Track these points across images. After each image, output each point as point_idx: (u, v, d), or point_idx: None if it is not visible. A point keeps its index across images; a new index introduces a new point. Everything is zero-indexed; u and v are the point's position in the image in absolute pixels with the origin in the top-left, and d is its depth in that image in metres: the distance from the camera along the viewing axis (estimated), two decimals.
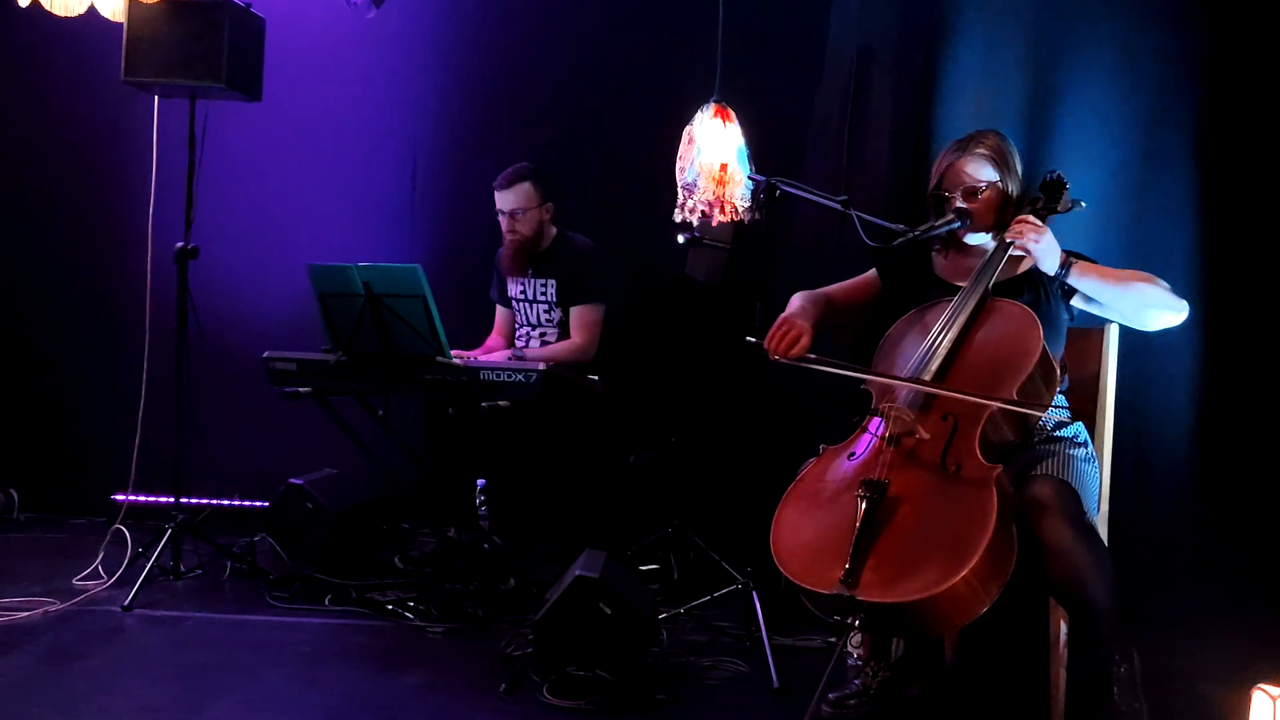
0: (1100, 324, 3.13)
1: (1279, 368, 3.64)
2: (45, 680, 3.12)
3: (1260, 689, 2.60)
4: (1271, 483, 3.63)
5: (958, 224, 3.08)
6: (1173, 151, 3.81)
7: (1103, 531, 2.98)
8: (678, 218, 3.47)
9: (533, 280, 4.44)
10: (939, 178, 3.14)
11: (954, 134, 3.28)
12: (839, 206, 3.43)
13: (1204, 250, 3.73)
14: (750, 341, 3.04)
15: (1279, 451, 3.64)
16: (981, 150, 3.08)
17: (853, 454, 2.84)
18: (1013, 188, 3.10)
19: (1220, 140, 3.74)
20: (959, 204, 3.07)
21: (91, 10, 3.99)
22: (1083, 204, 3.17)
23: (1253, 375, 3.67)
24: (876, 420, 2.83)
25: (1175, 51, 3.82)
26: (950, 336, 2.87)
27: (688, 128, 3.45)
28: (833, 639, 3.60)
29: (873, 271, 3.33)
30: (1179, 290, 2.95)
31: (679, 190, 3.45)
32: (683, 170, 3.46)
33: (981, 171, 3.08)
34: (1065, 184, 3.12)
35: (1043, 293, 3.01)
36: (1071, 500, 2.68)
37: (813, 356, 2.94)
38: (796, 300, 3.20)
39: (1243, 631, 3.35)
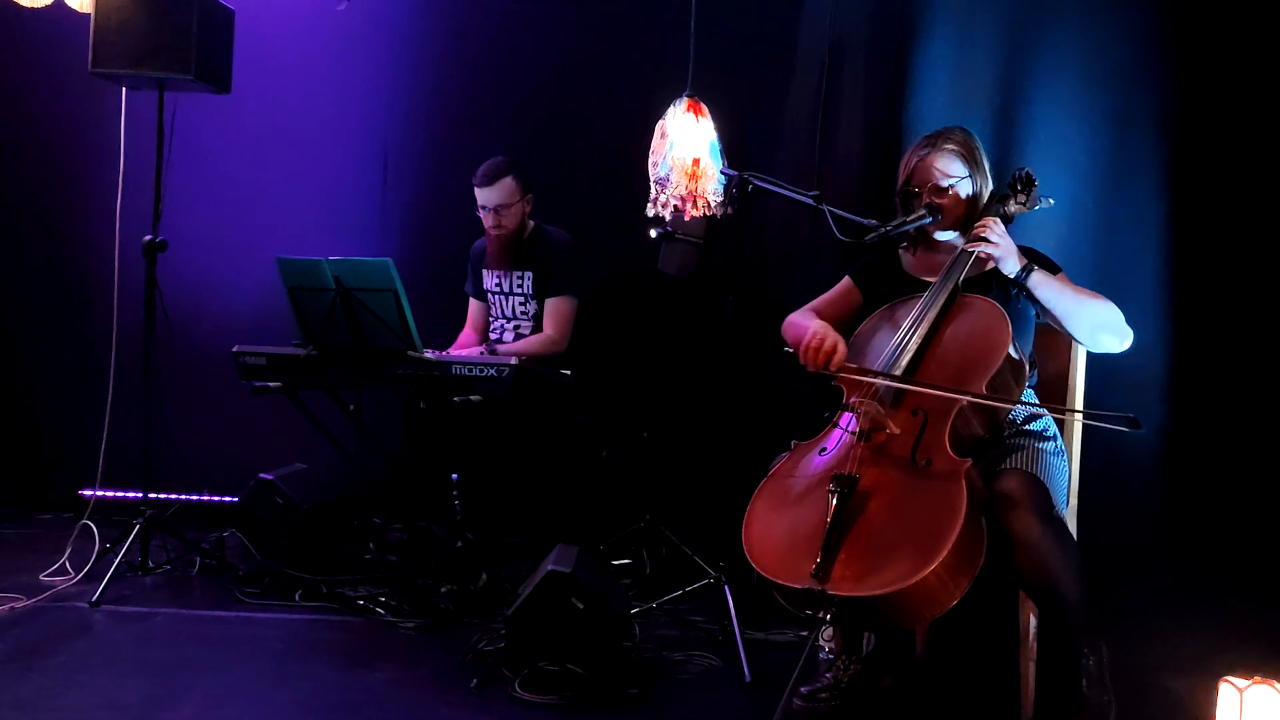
0: None
1: (1246, 365, 3.67)
2: (11, 677, 3.09)
3: (1227, 681, 2.62)
4: (1237, 478, 3.66)
5: (929, 219, 3.09)
6: (1142, 148, 3.83)
7: (1072, 525, 3.00)
8: (650, 212, 3.46)
9: (510, 273, 4.43)
10: (908, 174, 3.15)
11: (926, 129, 3.28)
12: (811, 202, 3.44)
13: (1173, 245, 3.75)
14: (789, 351, 3.07)
15: (1244, 448, 3.67)
16: (950, 146, 3.10)
17: (824, 449, 2.85)
18: (980, 184, 3.11)
19: (1190, 136, 3.76)
20: (928, 200, 3.09)
21: (59, 1, 3.95)
22: (1051, 201, 3.19)
23: (1220, 372, 3.69)
24: (847, 415, 2.85)
25: (1145, 48, 3.84)
26: (920, 332, 2.88)
27: (660, 122, 3.44)
28: (805, 633, 3.61)
29: (848, 280, 3.32)
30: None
31: (651, 185, 3.44)
32: (655, 165, 3.45)
33: (951, 167, 3.09)
34: (1034, 181, 3.14)
35: (1010, 289, 3.03)
36: (1040, 494, 2.70)
37: (853, 366, 2.94)
38: (807, 321, 3.14)
39: (1210, 625, 3.37)
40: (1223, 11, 3.73)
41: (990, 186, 3.14)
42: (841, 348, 2.94)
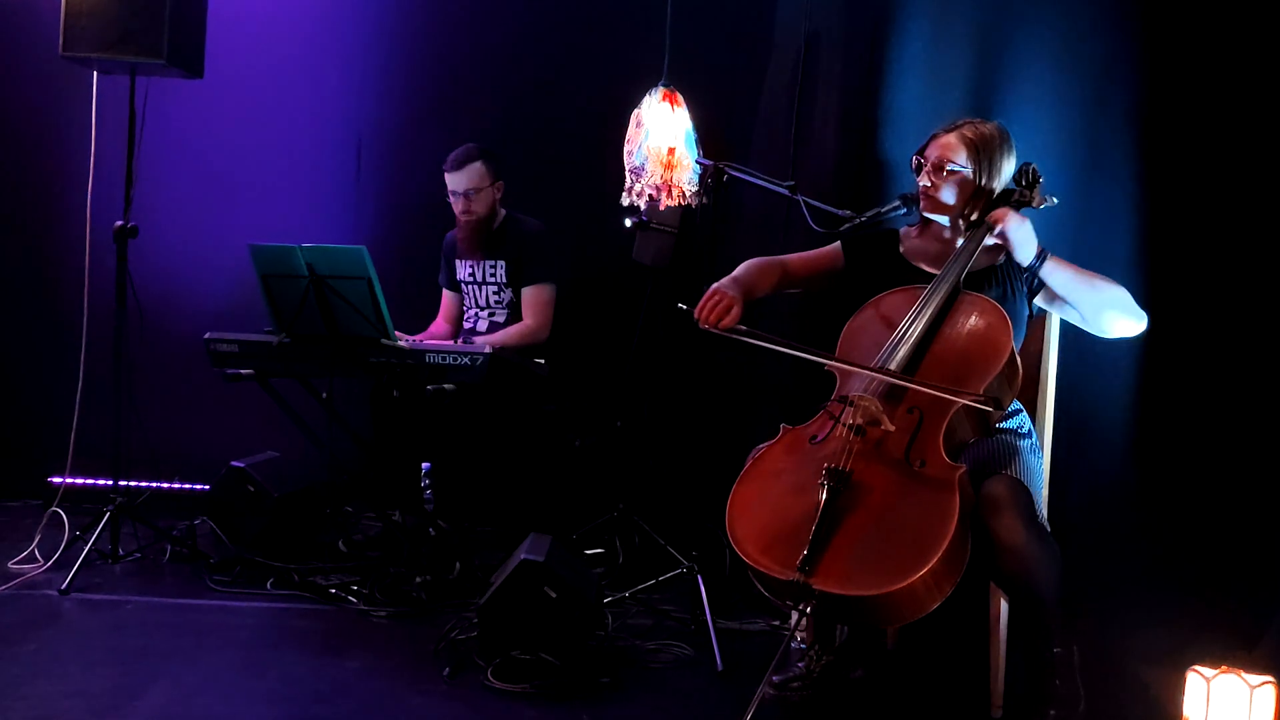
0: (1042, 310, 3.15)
1: (1215, 358, 3.69)
2: None
3: (1194, 670, 2.64)
4: (1205, 469, 3.68)
5: (903, 210, 3.09)
6: (1115, 138, 3.84)
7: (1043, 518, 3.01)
8: (625, 201, 3.47)
9: (482, 262, 4.42)
10: (924, 143, 3.16)
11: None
12: (786, 192, 3.44)
13: (1145, 235, 3.77)
14: (681, 309, 3.02)
15: (1212, 439, 3.69)
16: (967, 133, 3.08)
17: (815, 438, 2.82)
18: (984, 180, 3.06)
19: (1162, 127, 3.78)
20: (928, 174, 3.08)
21: None
22: (1055, 199, 3.17)
23: (1189, 365, 3.71)
24: (841, 407, 2.82)
25: (1119, 37, 3.85)
26: (920, 327, 2.86)
27: (636, 111, 3.44)
28: (777, 623, 3.63)
29: (837, 245, 3.30)
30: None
31: (627, 174, 3.45)
32: (630, 154, 3.46)
33: (955, 154, 3.06)
34: (1039, 178, 3.12)
35: (1009, 287, 3.02)
36: (1025, 499, 2.69)
37: (743, 328, 2.92)
38: (741, 267, 3.17)
39: (1177, 615, 3.39)
40: (1194, 3, 3.74)
41: (999, 186, 3.10)
42: (736, 310, 2.93)
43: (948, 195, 3.07)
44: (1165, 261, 3.74)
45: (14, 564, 3.95)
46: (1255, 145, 3.63)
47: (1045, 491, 3.06)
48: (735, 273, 3.15)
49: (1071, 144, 3.88)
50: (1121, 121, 3.84)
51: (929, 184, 3.09)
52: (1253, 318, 3.63)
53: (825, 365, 2.94)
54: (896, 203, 3.10)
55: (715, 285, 3.02)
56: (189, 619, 3.57)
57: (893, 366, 2.80)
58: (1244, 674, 2.59)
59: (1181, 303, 3.70)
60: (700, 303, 2.97)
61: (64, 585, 3.71)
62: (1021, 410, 3.02)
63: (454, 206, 4.35)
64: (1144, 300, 3.01)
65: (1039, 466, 2.96)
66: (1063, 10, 3.94)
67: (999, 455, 2.85)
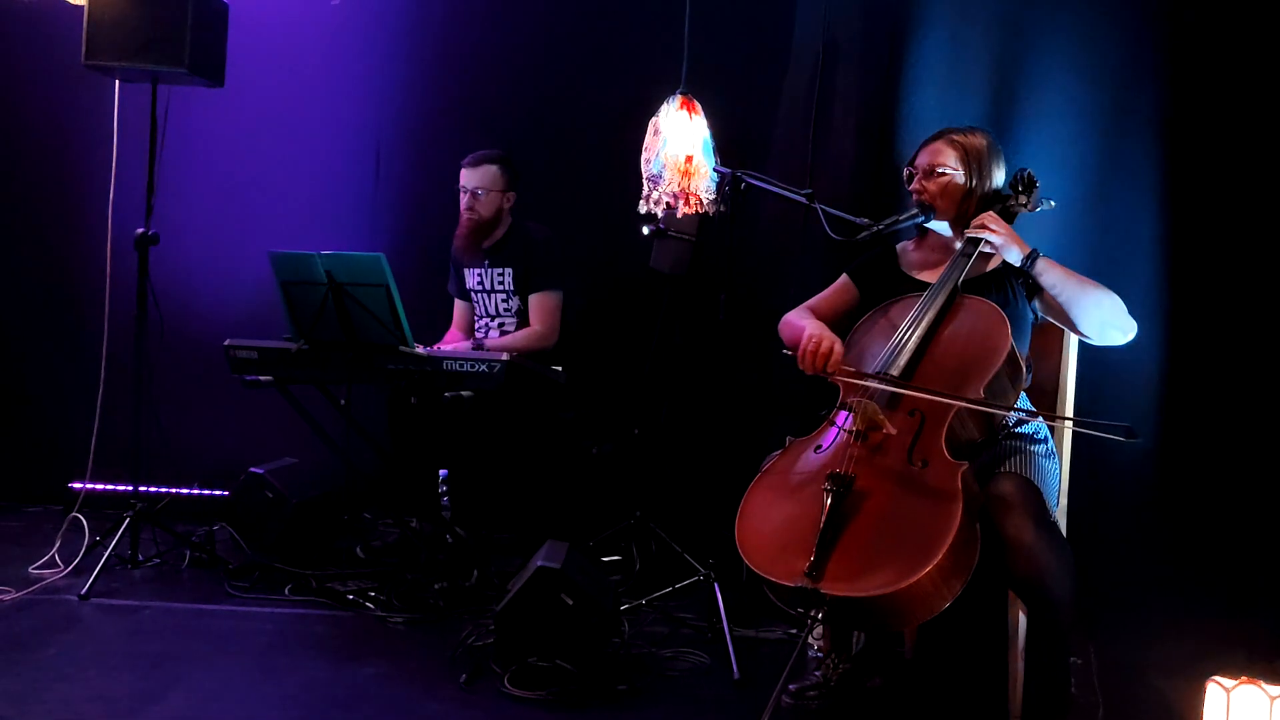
0: None
1: (1237, 367, 3.68)
2: (0, 669, 3.08)
3: (1214, 681, 2.63)
4: (1225, 478, 3.67)
5: (921, 217, 3.10)
6: (1135, 147, 3.83)
7: (1061, 525, 3.00)
8: (643, 209, 3.46)
9: (489, 270, 4.42)
10: (914, 153, 3.20)
11: (918, 129, 3.31)
12: (803, 200, 3.44)
13: (1166, 245, 3.76)
14: (787, 353, 3.05)
15: (1232, 449, 3.67)
16: (957, 138, 3.13)
17: (819, 447, 2.84)
18: (975, 183, 3.11)
19: (1183, 136, 3.77)
20: (920, 182, 3.12)
21: None
22: (1052, 203, 3.20)
23: (1211, 374, 3.70)
24: (844, 414, 2.84)
25: (1139, 45, 3.84)
26: (919, 333, 2.88)
27: (654, 119, 3.44)
28: (794, 630, 3.62)
29: (845, 278, 3.32)
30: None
31: (644, 182, 3.45)
32: (648, 162, 3.45)
33: (945, 159, 3.11)
34: (1035, 182, 3.16)
35: (1010, 291, 3.03)
36: (1034, 498, 2.69)
37: (849, 369, 2.92)
38: (803, 321, 3.13)
39: (1198, 626, 3.38)
40: (1216, 11, 3.73)
41: (991, 188, 3.13)
42: (838, 349, 2.93)
43: (942, 201, 3.10)
44: (1187, 270, 3.73)
45: (34, 569, 3.97)
46: (1277, 153, 3.62)
47: (1064, 500, 3.06)
48: (807, 322, 3.10)
49: (1092, 152, 3.87)
50: (1142, 129, 3.84)
51: (920, 189, 3.13)
52: (1275, 327, 3.62)
53: (828, 377, 2.96)
54: (914, 210, 3.11)
55: (808, 332, 2.98)
56: (207, 624, 3.59)
57: (893, 372, 2.82)
58: (1264, 685, 2.58)
59: (1202, 311, 3.69)
60: (800, 349, 2.95)
61: (84, 590, 3.73)
62: (1038, 418, 3.01)
63: (461, 203, 4.37)
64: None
65: (1054, 470, 2.95)
66: (1083, 18, 3.93)
67: (1008, 455, 2.85)
